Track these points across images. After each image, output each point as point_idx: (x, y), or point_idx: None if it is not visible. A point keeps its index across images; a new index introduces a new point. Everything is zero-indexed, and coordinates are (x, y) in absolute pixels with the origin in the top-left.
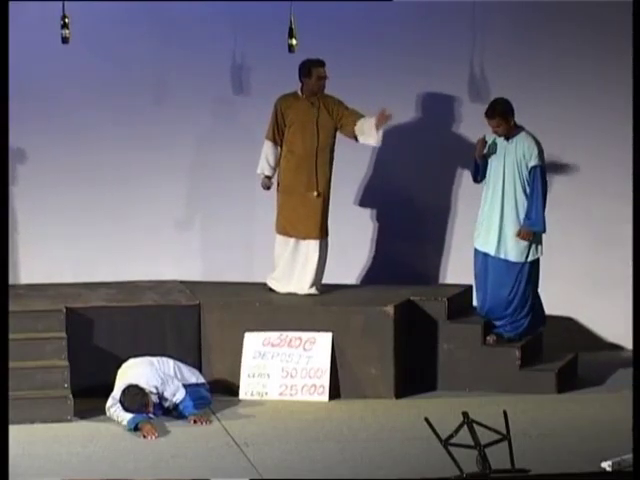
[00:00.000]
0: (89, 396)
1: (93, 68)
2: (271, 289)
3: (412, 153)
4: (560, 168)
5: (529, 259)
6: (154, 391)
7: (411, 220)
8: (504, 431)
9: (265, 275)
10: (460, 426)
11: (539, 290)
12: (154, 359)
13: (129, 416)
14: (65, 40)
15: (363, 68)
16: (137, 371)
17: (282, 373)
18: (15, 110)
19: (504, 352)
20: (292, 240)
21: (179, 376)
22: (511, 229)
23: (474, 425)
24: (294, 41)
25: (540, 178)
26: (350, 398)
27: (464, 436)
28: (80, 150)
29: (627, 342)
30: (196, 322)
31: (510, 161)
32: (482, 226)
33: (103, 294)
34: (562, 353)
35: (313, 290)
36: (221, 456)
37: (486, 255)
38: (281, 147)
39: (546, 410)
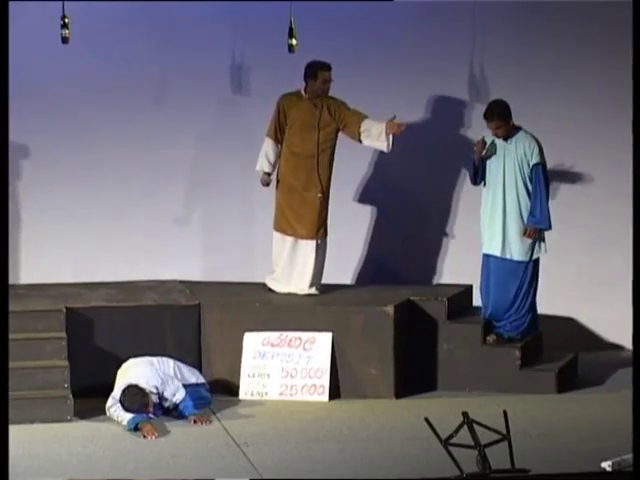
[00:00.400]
0: (89, 396)
1: (93, 68)
2: (270, 289)
3: (412, 153)
4: (560, 168)
5: (533, 257)
6: (154, 391)
7: (411, 220)
8: (504, 431)
9: (265, 275)
10: (460, 426)
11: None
12: (154, 359)
13: (129, 416)
14: (65, 40)
15: (363, 68)
16: (137, 371)
17: (282, 373)
18: (15, 110)
19: (504, 352)
20: (291, 239)
21: (179, 376)
22: (515, 229)
23: (474, 425)
24: (294, 41)
25: (542, 175)
26: (350, 398)
27: (464, 436)
28: (80, 150)
29: (627, 342)
30: (196, 322)
31: (510, 161)
32: (485, 229)
33: (103, 294)
34: (562, 353)
35: (313, 290)
36: (221, 456)
37: (488, 257)
38: (281, 145)
39: (546, 410)
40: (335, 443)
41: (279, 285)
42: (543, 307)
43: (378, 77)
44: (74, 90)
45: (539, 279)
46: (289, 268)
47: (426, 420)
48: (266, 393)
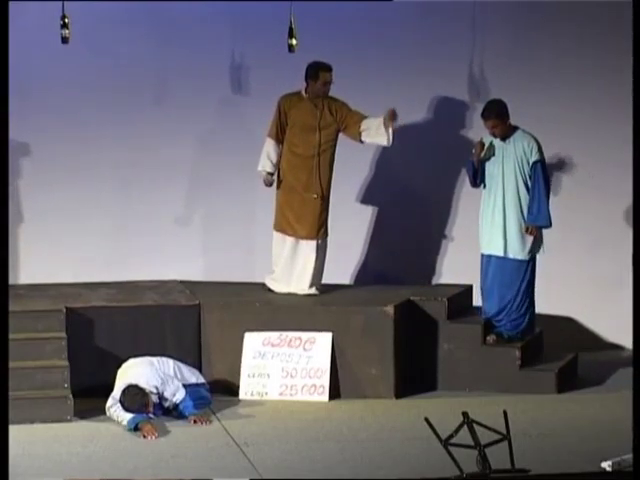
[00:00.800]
0: (89, 396)
1: (93, 68)
2: (270, 289)
3: (412, 153)
4: (560, 168)
5: (532, 256)
6: (154, 391)
7: (411, 220)
8: (504, 431)
9: (265, 275)
10: (460, 426)
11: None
12: (154, 359)
13: (129, 416)
14: (65, 40)
15: (363, 68)
16: (137, 371)
17: (282, 373)
18: (15, 110)
19: (504, 352)
20: (291, 239)
21: (179, 376)
22: (515, 228)
23: (474, 425)
24: (294, 41)
25: (542, 173)
26: (350, 398)
27: (464, 436)
28: (80, 150)
29: (627, 342)
30: (196, 322)
31: (509, 161)
32: (486, 229)
33: (103, 294)
34: (562, 353)
35: (313, 290)
36: (221, 456)
37: (489, 258)
38: (282, 145)
39: (546, 410)
40: (335, 443)
41: (279, 285)
42: (543, 307)
43: (378, 77)
44: (74, 90)
45: (539, 279)
46: (289, 268)
47: (426, 420)
48: (266, 393)
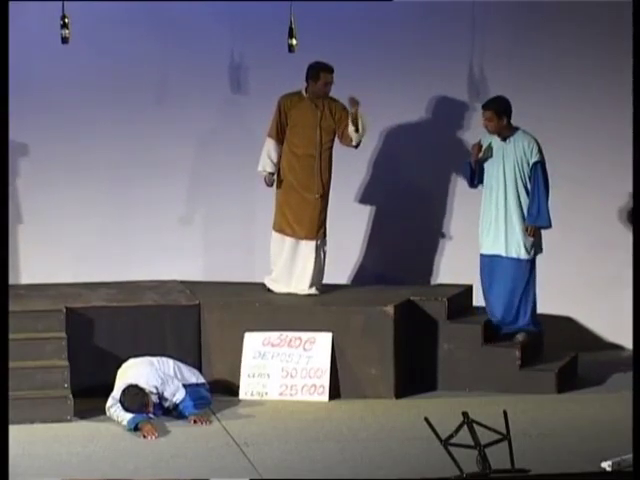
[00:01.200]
0: (89, 396)
1: (93, 68)
2: (270, 290)
3: (411, 153)
4: (559, 168)
5: (535, 255)
6: (154, 391)
7: (410, 220)
8: (504, 431)
9: (264, 275)
10: (460, 426)
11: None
12: (154, 359)
13: (129, 416)
14: (65, 40)
15: (363, 68)
16: (137, 371)
17: (282, 373)
18: (15, 110)
19: (504, 352)
20: (290, 240)
21: (179, 376)
22: (518, 228)
23: (474, 425)
24: (294, 41)
25: (541, 173)
26: (350, 398)
27: (464, 436)
28: (80, 150)
29: (627, 342)
30: (196, 322)
31: (510, 161)
32: (488, 230)
33: (103, 294)
34: (562, 353)
35: (313, 290)
36: (221, 456)
37: (492, 258)
38: (282, 145)
39: (546, 410)
40: (335, 443)
41: (278, 286)
42: (543, 307)
43: (378, 77)
44: (74, 90)
45: (539, 279)
46: (289, 269)
47: (426, 420)
48: (266, 393)
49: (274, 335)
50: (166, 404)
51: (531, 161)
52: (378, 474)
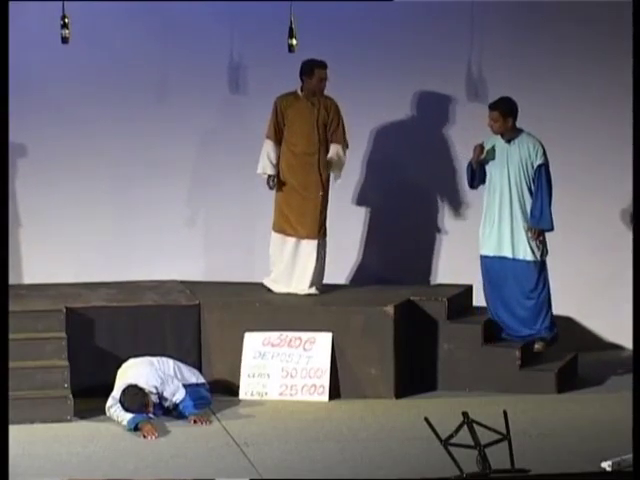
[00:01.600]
0: (89, 396)
1: (93, 68)
2: (270, 290)
3: (411, 153)
4: (559, 169)
5: (544, 257)
6: (154, 391)
7: (410, 220)
8: (504, 431)
9: (265, 275)
10: (460, 426)
11: None
12: (154, 359)
13: (129, 416)
14: (65, 40)
15: (363, 68)
16: (137, 371)
17: (282, 373)
18: (15, 110)
19: (504, 352)
20: (292, 240)
21: (179, 376)
22: (523, 229)
23: (474, 425)
24: (294, 41)
25: (545, 176)
26: (350, 398)
27: (464, 436)
28: (80, 150)
29: (627, 342)
30: (196, 322)
31: (514, 162)
32: (490, 231)
33: (103, 294)
34: (562, 353)
35: (313, 290)
36: (221, 456)
37: (497, 260)
38: (280, 146)
39: (546, 410)
40: (335, 443)
41: (279, 286)
42: None
43: (377, 77)
44: (74, 90)
45: None
46: (290, 269)
47: (426, 420)
48: (266, 393)
49: (274, 335)
50: (166, 404)
51: (536, 163)
52: (378, 474)
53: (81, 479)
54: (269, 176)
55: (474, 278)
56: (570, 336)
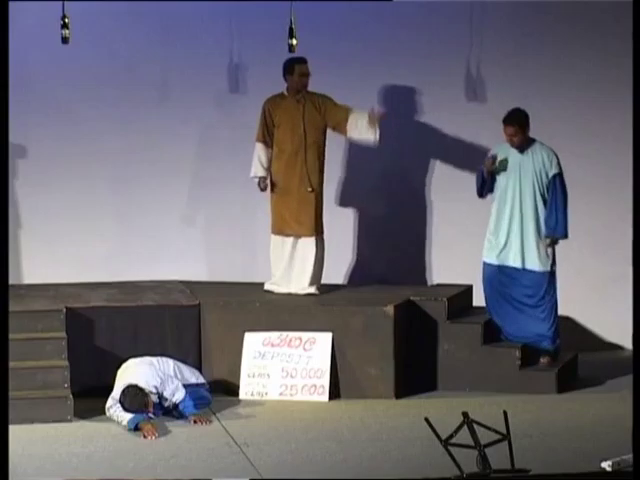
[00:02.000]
0: (89, 396)
1: (93, 68)
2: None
3: (411, 153)
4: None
5: (554, 267)
6: (154, 391)
7: (410, 220)
8: (504, 431)
9: (265, 275)
10: (460, 426)
11: None
12: (154, 359)
13: (129, 416)
14: (65, 40)
15: (363, 68)
16: (137, 371)
17: (282, 373)
18: (15, 110)
19: (504, 352)
20: (290, 240)
21: (179, 376)
22: (534, 240)
23: (474, 425)
24: (294, 41)
25: (561, 185)
26: (350, 398)
27: (464, 436)
28: (80, 150)
29: (627, 342)
30: (196, 322)
31: (528, 173)
32: (497, 240)
33: (103, 294)
34: (562, 353)
35: (313, 289)
36: (221, 456)
37: (505, 270)
38: (272, 148)
39: (546, 410)
40: (335, 443)
41: (279, 289)
42: None
43: (377, 77)
44: (74, 90)
45: None
46: (288, 268)
47: (426, 420)
48: (266, 393)
49: (274, 335)
50: (166, 404)
51: (550, 173)
52: (378, 474)
53: (81, 479)
54: (260, 178)
55: (474, 278)
56: (570, 336)
